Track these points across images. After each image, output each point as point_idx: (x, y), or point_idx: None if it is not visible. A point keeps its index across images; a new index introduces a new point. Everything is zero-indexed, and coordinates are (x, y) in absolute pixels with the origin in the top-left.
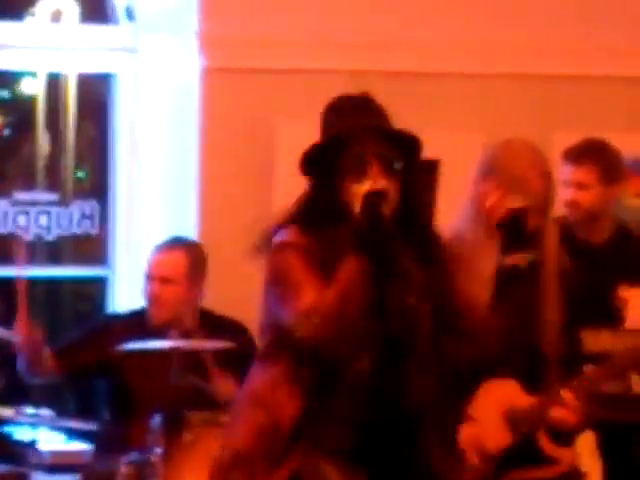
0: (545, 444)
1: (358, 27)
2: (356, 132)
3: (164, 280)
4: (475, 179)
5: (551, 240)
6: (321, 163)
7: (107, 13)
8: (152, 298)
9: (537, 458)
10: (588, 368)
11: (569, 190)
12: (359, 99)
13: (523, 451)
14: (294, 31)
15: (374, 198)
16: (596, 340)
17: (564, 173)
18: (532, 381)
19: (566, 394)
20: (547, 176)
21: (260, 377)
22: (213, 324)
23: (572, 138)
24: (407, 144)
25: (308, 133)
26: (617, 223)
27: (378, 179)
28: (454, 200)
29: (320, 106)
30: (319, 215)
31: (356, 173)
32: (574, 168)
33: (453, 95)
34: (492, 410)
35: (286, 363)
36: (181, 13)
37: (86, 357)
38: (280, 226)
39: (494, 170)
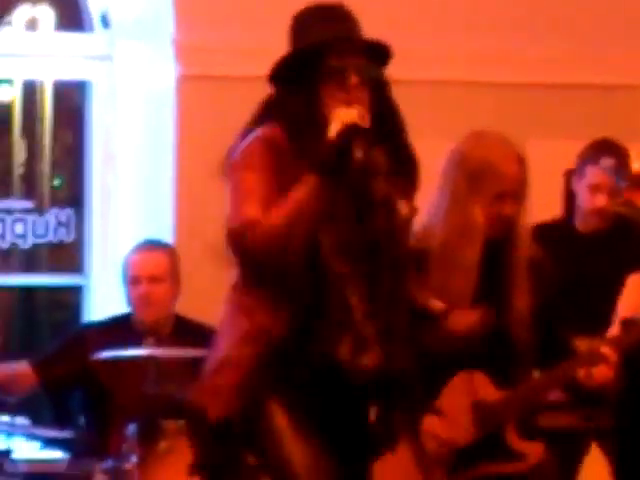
0: (513, 439)
1: None
2: (334, 43)
3: (153, 279)
4: (452, 175)
5: (523, 228)
6: (294, 74)
7: (83, 21)
8: (143, 299)
9: (505, 452)
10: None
11: (599, 196)
12: (332, 9)
13: (490, 445)
14: (269, 39)
15: (353, 133)
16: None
17: (593, 177)
18: (502, 370)
19: (605, 349)
20: (522, 161)
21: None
22: (188, 330)
23: (545, 145)
24: (380, 53)
25: None
26: (617, 213)
27: (358, 94)
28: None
29: None
30: (296, 120)
31: (335, 85)
32: (610, 178)
33: (422, 102)
34: (460, 402)
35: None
36: (156, 21)
37: (65, 369)
38: (249, 129)
39: (467, 162)
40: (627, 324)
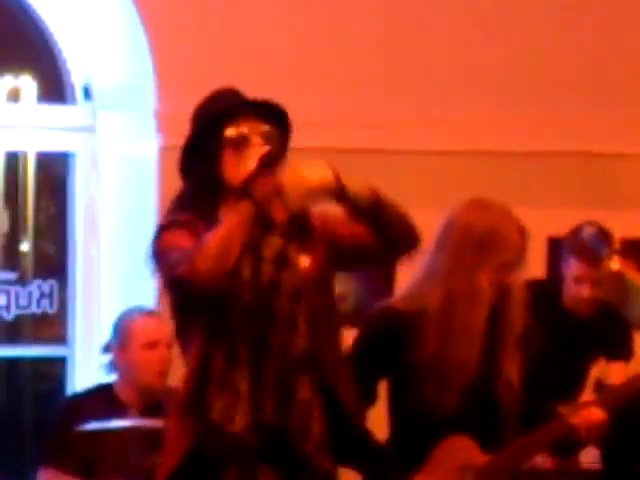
0: None
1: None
2: (229, 112)
3: (168, 345)
4: (454, 241)
5: (517, 295)
6: (198, 153)
7: (65, 92)
8: (164, 363)
9: None
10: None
11: (584, 286)
12: (223, 90)
13: None
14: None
15: (267, 159)
16: None
17: (578, 269)
18: (489, 437)
19: (593, 409)
20: (523, 231)
21: None
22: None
23: (529, 213)
24: (275, 114)
25: None
26: (602, 300)
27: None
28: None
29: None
30: (203, 196)
31: (239, 150)
32: (592, 269)
33: (406, 172)
34: (448, 466)
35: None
36: (138, 92)
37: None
38: (163, 224)
39: (475, 230)
40: (600, 387)
